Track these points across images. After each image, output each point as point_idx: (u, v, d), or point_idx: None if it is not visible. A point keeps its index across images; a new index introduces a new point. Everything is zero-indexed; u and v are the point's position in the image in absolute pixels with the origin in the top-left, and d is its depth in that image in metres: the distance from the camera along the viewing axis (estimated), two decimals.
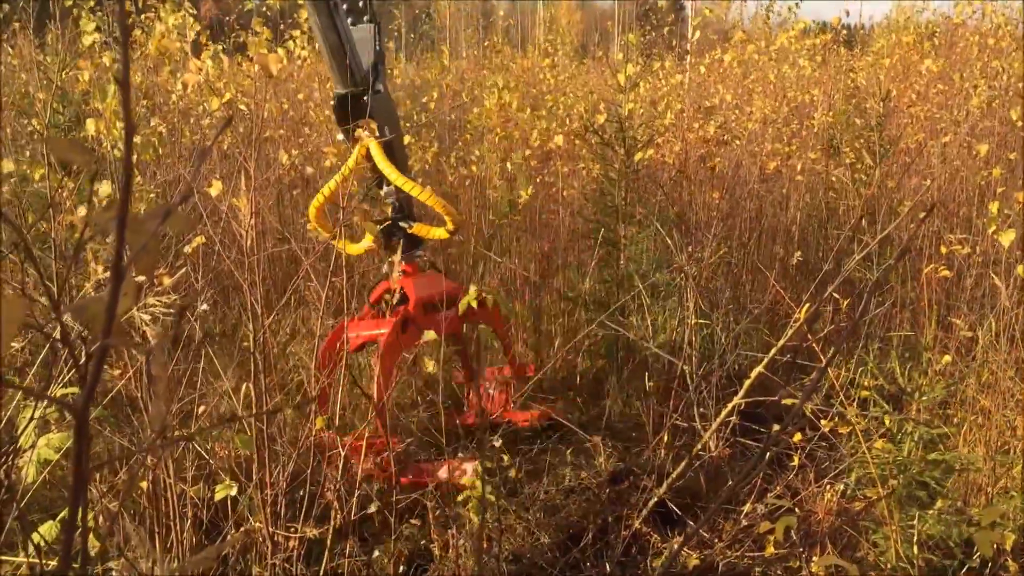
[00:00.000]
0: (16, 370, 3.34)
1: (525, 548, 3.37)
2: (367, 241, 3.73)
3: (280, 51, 3.73)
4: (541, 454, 3.92)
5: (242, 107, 5.03)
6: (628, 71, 4.82)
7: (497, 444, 3.10)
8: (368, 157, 3.55)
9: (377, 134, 3.50)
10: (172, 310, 2.62)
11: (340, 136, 3.64)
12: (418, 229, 3.74)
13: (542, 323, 4.98)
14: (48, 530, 2.27)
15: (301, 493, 2.93)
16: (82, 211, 2.44)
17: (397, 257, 3.39)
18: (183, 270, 2.56)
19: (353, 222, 3.16)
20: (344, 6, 3.46)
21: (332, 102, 3.57)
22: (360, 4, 3.58)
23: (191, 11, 5.36)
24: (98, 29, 4.53)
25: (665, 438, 3.89)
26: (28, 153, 4.84)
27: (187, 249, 3.21)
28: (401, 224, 3.74)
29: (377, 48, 3.57)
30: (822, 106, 7.13)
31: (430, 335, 3.27)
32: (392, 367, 3.47)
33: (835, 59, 8.77)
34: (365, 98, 3.51)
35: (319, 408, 3.39)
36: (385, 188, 3.71)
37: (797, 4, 7.65)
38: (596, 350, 4.75)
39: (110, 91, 3.40)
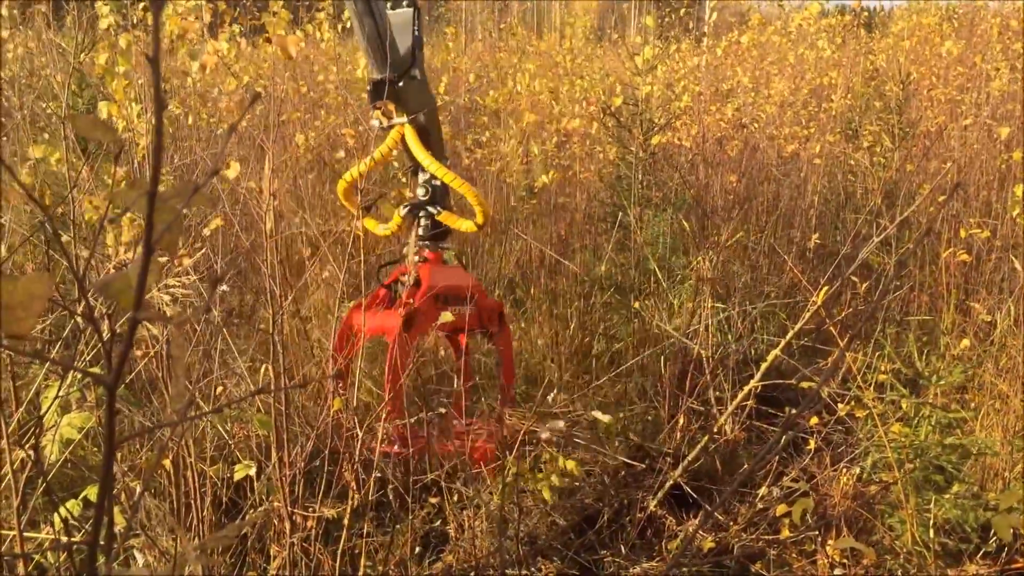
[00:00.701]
0: (38, 350, 3.38)
1: (541, 530, 3.39)
2: (393, 223, 3.71)
3: (299, 33, 3.72)
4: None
5: (259, 89, 5.04)
6: (647, 54, 4.79)
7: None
8: (403, 143, 3.51)
9: (412, 120, 3.46)
10: (191, 292, 2.64)
11: (375, 122, 3.58)
12: (446, 217, 3.66)
13: (557, 306, 4.99)
14: (72, 508, 2.30)
15: (319, 473, 2.95)
16: (95, 198, 2.46)
17: (413, 237, 3.38)
18: (202, 251, 2.58)
19: (378, 203, 3.14)
20: None
21: (368, 88, 3.50)
22: None
23: None
24: (112, 11, 4.54)
25: (681, 421, 3.89)
26: (47, 135, 4.88)
27: (206, 230, 3.23)
28: (429, 209, 3.67)
29: (415, 33, 3.51)
30: (841, 88, 7.08)
31: (447, 316, 3.24)
32: (404, 359, 3.40)
33: (854, 41, 8.70)
34: (401, 84, 3.46)
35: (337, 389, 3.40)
36: (421, 176, 3.65)
37: None
38: (612, 333, 4.75)
39: (119, 71, 3.40)
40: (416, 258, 3.62)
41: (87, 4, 4.70)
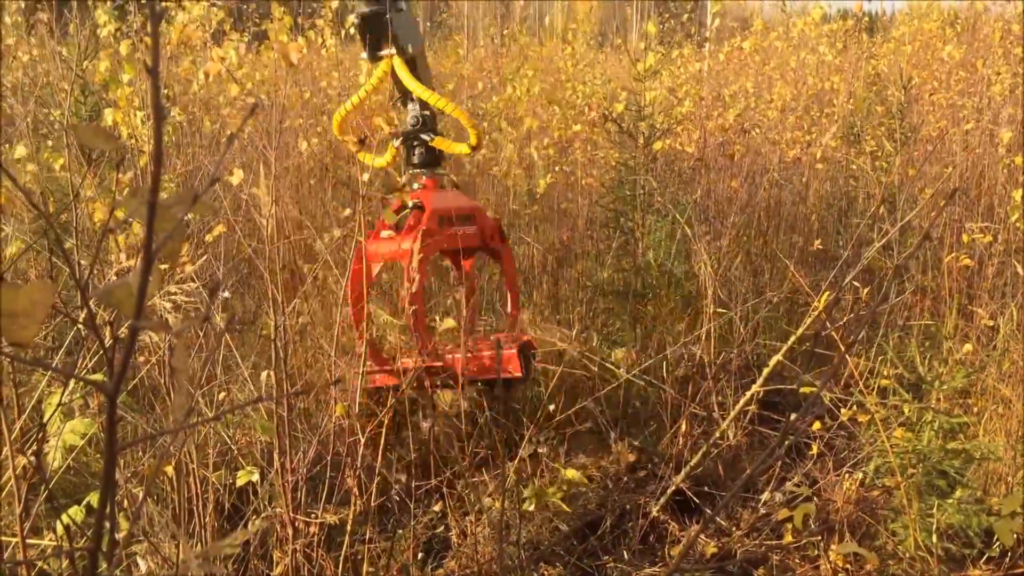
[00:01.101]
0: (38, 358, 3.38)
1: (543, 535, 3.39)
2: (389, 154, 3.78)
3: (300, 40, 3.73)
4: (560, 439, 3.93)
5: (262, 96, 5.05)
6: (649, 60, 4.80)
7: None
8: (393, 75, 3.57)
9: (400, 51, 3.52)
10: (194, 298, 2.65)
11: (363, 55, 3.65)
12: (439, 143, 3.71)
13: (560, 312, 4.99)
14: (75, 514, 2.30)
15: (322, 479, 2.96)
16: (104, 200, 2.47)
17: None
18: (204, 257, 2.58)
19: (376, 129, 3.17)
20: None
21: (355, 20, 3.57)
22: None
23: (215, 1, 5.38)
24: (111, 19, 4.56)
25: (683, 427, 3.89)
26: (50, 142, 4.89)
27: (208, 237, 3.24)
28: (423, 137, 3.72)
29: None
30: (843, 93, 7.08)
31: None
32: (424, 275, 3.46)
33: (856, 46, 8.70)
34: (388, 16, 3.48)
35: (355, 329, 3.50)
36: (411, 105, 3.70)
37: None
38: (615, 339, 4.75)
39: (124, 79, 3.42)
40: (416, 185, 3.72)
41: (89, 12, 4.72)
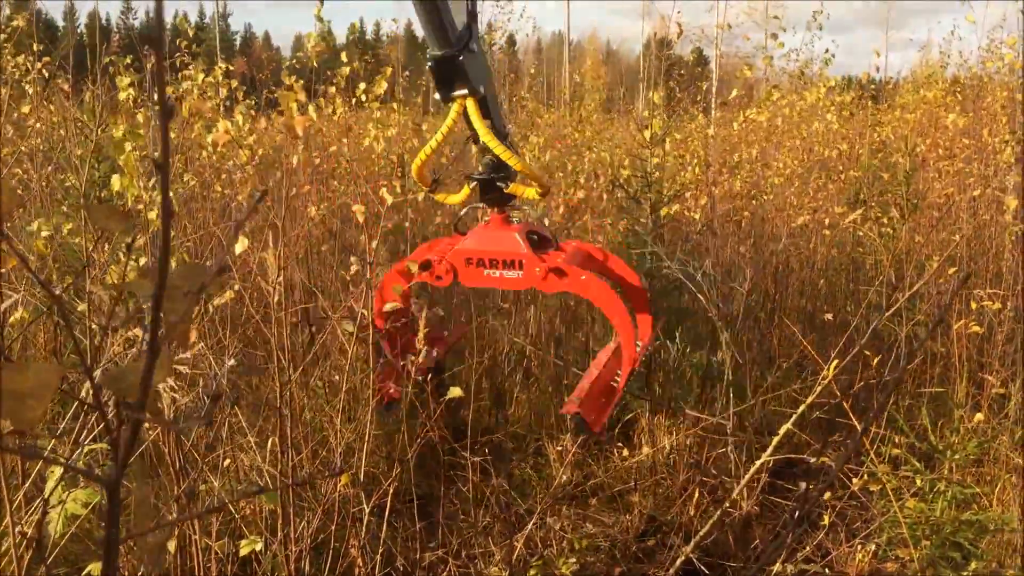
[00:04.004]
0: (45, 424, 3.37)
1: None
2: (463, 193, 4.01)
3: (311, 109, 3.79)
4: (572, 505, 3.90)
5: (271, 161, 5.10)
6: (655, 127, 4.86)
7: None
8: (465, 115, 3.70)
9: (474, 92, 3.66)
10: (198, 366, 2.64)
11: (438, 95, 3.77)
12: (512, 188, 3.89)
13: (568, 378, 4.97)
14: None
15: (326, 549, 2.92)
16: (115, 270, 2.48)
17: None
18: (212, 327, 2.59)
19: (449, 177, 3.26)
20: None
21: (429, 64, 3.67)
22: None
23: (226, 67, 5.48)
24: (133, 85, 4.65)
25: (695, 496, 3.85)
26: (64, 208, 4.94)
27: (215, 303, 3.25)
28: (498, 184, 3.88)
29: (469, 8, 3.67)
30: (849, 161, 7.14)
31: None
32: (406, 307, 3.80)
33: (861, 112, 8.80)
34: (461, 58, 3.59)
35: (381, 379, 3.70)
36: (483, 143, 3.84)
37: (829, 60, 7.67)
38: (625, 403, 4.72)
39: (127, 147, 3.45)
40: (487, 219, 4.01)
41: (107, 79, 4.81)
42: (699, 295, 4.30)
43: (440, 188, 4.05)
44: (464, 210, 4.13)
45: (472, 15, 3.68)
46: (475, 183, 3.95)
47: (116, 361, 2.43)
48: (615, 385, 3.99)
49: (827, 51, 7.66)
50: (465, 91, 3.65)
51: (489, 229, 3.95)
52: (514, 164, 3.72)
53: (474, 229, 4.03)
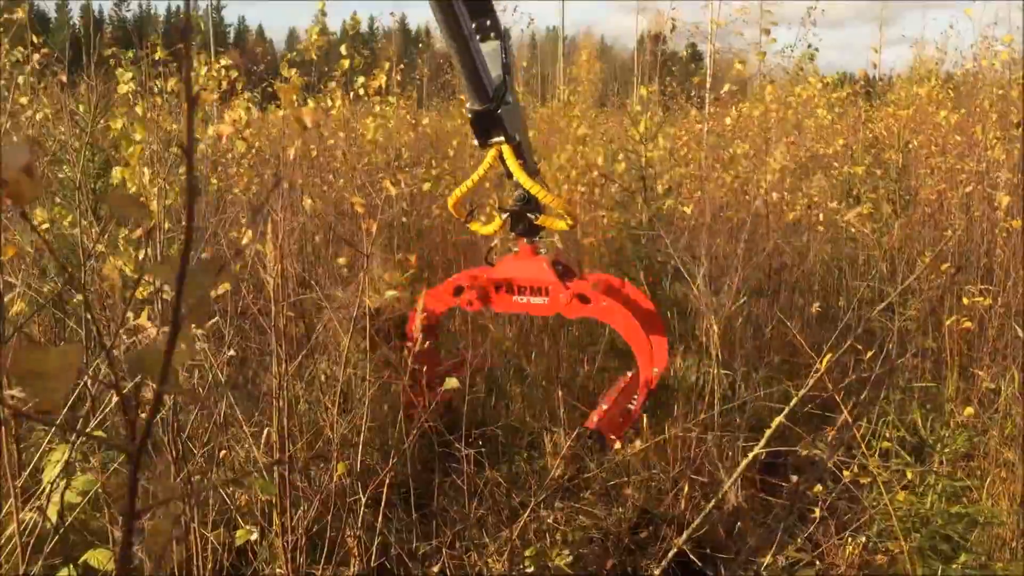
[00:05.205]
0: (50, 417, 3.37)
1: None
2: (495, 223, 4.26)
3: (311, 102, 3.81)
4: (565, 498, 3.92)
5: (268, 153, 5.11)
6: (647, 123, 4.88)
7: None
8: (500, 158, 3.97)
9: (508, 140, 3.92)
10: (198, 356, 2.66)
11: (475, 142, 4.04)
12: (543, 221, 4.13)
13: (561, 371, 4.99)
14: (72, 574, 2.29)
15: (322, 538, 2.94)
16: (114, 261, 2.50)
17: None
18: (214, 319, 2.60)
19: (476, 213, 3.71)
20: (473, 25, 3.73)
21: (468, 115, 3.94)
22: (487, 23, 3.90)
23: (227, 61, 5.47)
24: (133, 78, 4.65)
25: (685, 489, 3.87)
26: (58, 200, 4.94)
27: (213, 294, 3.26)
28: (528, 215, 4.13)
29: (504, 61, 3.91)
30: (842, 157, 7.16)
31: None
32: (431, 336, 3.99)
33: (853, 110, 8.83)
34: (498, 112, 3.84)
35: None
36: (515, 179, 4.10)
37: (813, 55, 7.68)
38: None
39: (136, 137, 3.47)
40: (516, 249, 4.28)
41: (102, 71, 4.81)
42: (691, 288, 4.33)
43: (473, 219, 4.34)
44: (495, 240, 4.44)
45: (507, 67, 3.94)
46: (507, 215, 4.20)
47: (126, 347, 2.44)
48: (631, 407, 4.25)
49: (809, 46, 7.66)
50: (502, 139, 3.91)
51: (518, 258, 4.23)
52: (547, 201, 4.01)
53: (504, 258, 4.30)
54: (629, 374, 4.52)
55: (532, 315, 4.58)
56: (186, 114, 0.48)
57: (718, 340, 4.22)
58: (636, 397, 4.26)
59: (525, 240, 4.22)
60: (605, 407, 4.11)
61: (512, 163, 3.96)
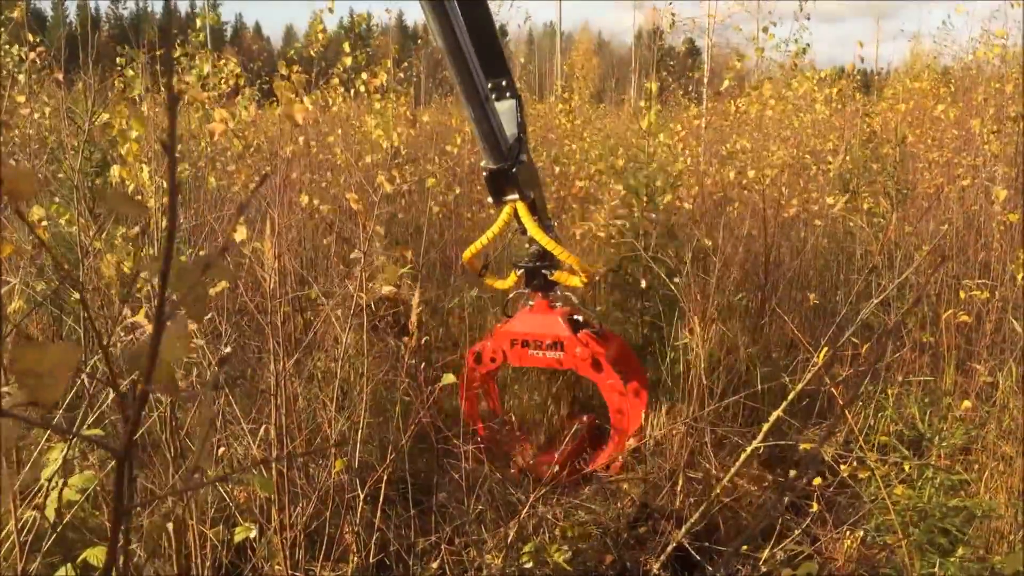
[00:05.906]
0: (46, 417, 3.38)
1: None
2: (511, 279, 4.36)
3: (307, 99, 3.81)
4: (564, 494, 3.93)
5: (266, 150, 5.11)
6: (650, 118, 4.88)
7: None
8: (515, 215, 4.05)
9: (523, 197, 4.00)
10: (196, 354, 2.66)
11: (490, 199, 4.11)
12: (558, 276, 4.21)
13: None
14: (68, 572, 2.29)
15: (321, 535, 2.94)
16: (110, 258, 2.50)
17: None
18: (210, 315, 2.60)
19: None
20: (489, 85, 3.83)
21: (484, 175, 4.00)
22: (503, 83, 4.00)
23: (231, 58, 5.48)
24: (138, 78, 4.65)
25: (679, 481, 3.88)
26: (57, 198, 4.94)
27: (211, 291, 3.26)
28: (544, 271, 4.22)
29: (519, 120, 4.00)
30: (839, 151, 7.16)
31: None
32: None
33: (851, 103, 8.82)
34: (513, 171, 3.92)
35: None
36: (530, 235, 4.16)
37: (804, 49, 7.67)
38: None
39: (132, 136, 3.47)
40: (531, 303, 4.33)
41: (99, 69, 4.80)
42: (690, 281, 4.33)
43: (489, 273, 4.43)
44: (512, 294, 4.47)
45: (521, 126, 4.03)
46: (522, 270, 4.28)
47: (122, 345, 2.45)
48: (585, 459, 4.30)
49: (797, 41, 7.65)
50: (516, 196, 3.98)
51: (534, 313, 4.28)
52: (564, 257, 4.06)
53: (519, 313, 4.34)
54: (587, 419, 4.61)
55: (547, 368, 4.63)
56: (168, 112, 0.49)
57: (710, 336, 4.22)
58: (590, 453, 4.32)
59: (539, 295, 4.28)
60: (556, 456, 4.08)
61: (527, 220, 4.03)
